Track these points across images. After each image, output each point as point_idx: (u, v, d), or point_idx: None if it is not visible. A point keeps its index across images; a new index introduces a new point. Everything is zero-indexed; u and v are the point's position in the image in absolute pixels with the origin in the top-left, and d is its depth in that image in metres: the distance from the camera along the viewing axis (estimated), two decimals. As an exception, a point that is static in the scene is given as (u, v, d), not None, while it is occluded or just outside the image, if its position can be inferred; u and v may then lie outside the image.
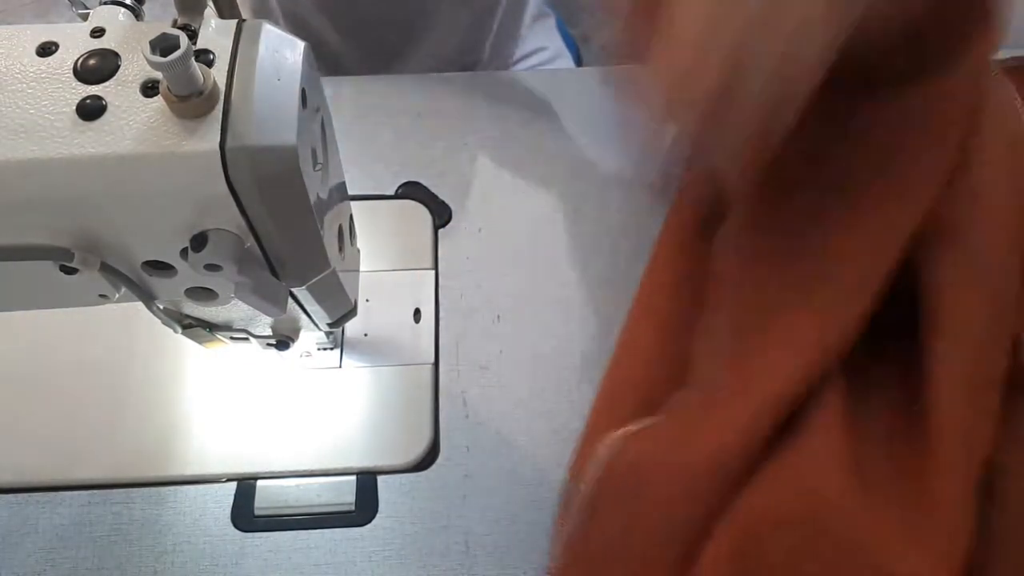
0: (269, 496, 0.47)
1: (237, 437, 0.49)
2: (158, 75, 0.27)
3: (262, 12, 0.77)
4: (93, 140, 0.27)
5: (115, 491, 0.48)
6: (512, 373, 0.52)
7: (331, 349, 0.52)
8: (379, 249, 0.57)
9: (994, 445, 0.40)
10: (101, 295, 0.34)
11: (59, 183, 0.28)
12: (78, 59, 0.28)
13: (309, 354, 0.52)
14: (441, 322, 0.54)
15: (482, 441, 0.49)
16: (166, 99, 0.27)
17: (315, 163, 0.32)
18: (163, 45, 0.25)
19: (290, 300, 0.37)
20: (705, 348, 0.48)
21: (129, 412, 0.50)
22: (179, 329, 0.41)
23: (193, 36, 0.29)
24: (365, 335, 0.53)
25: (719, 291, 0.49)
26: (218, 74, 0.28)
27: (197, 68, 0.27)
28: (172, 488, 0.48)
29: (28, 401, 0.50)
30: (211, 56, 0.29)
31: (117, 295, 0.34)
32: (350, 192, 0.44)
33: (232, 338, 0.45)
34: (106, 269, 0.32)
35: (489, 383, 0.52)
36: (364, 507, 0.47)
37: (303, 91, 0.29)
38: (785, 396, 0.40)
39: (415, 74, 0.69)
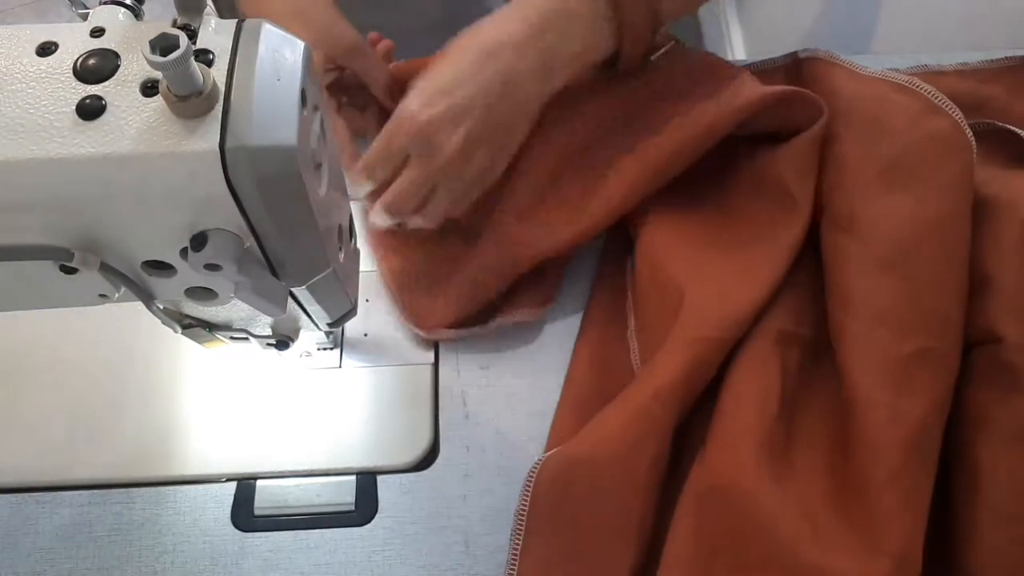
0: (269, 496, 0.47)
1: (237, 437, 0.49)
2: (158, 75, 0.27)
3: None
4: (93, 140, 0.27)
5: (115, 491, 0.48)
6: (512, 373, 0.52)
7: (331, 349, 0.52)
8: (379, 249, 0.56)
9: (974, 441, 0.42)
10: (101, 295, 0.34)
11: (59, 183, 0.28)
12: (78, 59, 0.28)
13: (309, 354, 0.52)
14: (441, 322, 0.54)
15: (482, 441, 0.49)
16: (166, 99, 0.27)
17: (315, 163, 0.32)
18: (163, 45, 0.25)
19: (290, 300, 0.37)
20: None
21: (129, 412, 0.50)
22: (179, 329, 0.41)
23: (193, 36, 0.29)
24: (365, 335, 0.53)
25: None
26: (218, 74, 0.28)
27: (197, 68, 0.27)
28: (172, 488, 0.48)
29: (28, 401, 0.50)
30: (211, 56, 0.29)
31: (117, 295, 0.34)
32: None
33: (232, 338, 0.45)
34: (106, 269, 0.32)
35: (489, 383, 0.52)
36: (364, 507, 0.47)
37: (303, 91, 0.29)
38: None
39: None
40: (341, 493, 0.48)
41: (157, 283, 0.34)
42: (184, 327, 0.41)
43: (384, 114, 0.58)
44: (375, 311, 0.53)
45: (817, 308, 0.49)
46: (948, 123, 0.47)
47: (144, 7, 0.32)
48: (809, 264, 0.51)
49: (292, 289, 0.36)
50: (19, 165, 0.27)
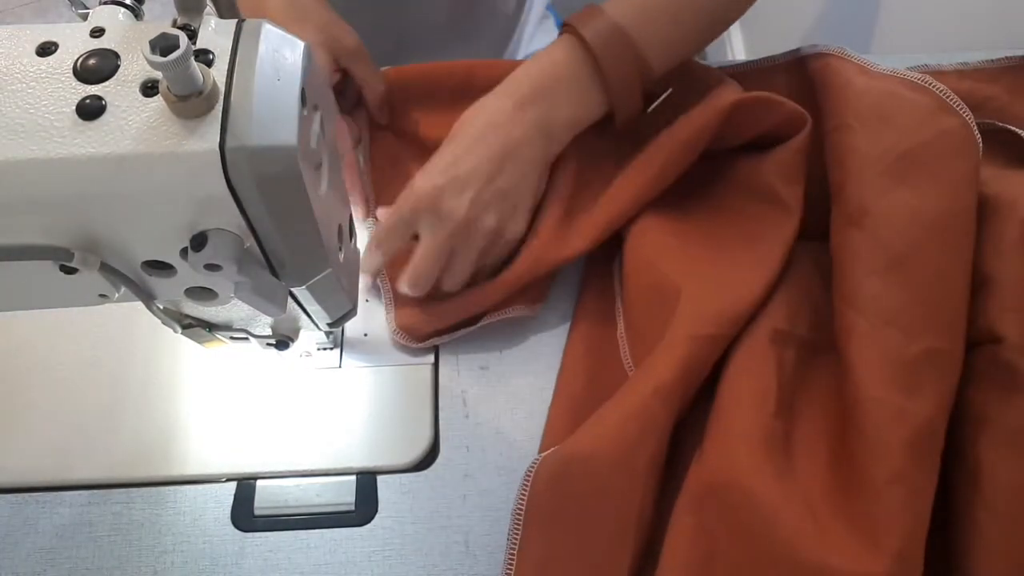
0: (269, 496, 0.47)
1: (237, 437, 0.49)
2: (158, 75, 0.27)
3: None
4: (93, 140, 0.27)
5: (115, 491, 0.48)
6: (512, 373, 0.52)
7: (331, 349, 0.52)
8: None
9: (974, 441, 0.42)
10: (101, 295, 0.34)
11: (59, 183, 0.28)
12: (78, 59, 0.28)
13: (309, 354, 0.52)
14: (441, 322, 0.54)
15: (482, 441, 0.49)
16: (166, 99, 0.27)
17: (315, 163, 0.32)
18: (163, 45, 0.25)
19: (290, 300, 0.37)
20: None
21: (129, 412, 0.50)
22: (179, 329, 0.41)
23: (193, 36, 0.29)
24: (365, 335, 0.53)
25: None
26: (218, 74, 0.28)
27: (197, 68, 0.27)
28: (172, 488, 0.48)
29: (28, 401, 0.50)
30: (211, 56, 0.29)
31: (117, 295, 0.34)
32: (350, 192, 0.44)
33: (232, 338, 0.45)
34: (106, 269, 0.32)
35: (489, 383, 0.52)
36: (364, 507, 0.47)
37: (303, 91, 0.29)
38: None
39: None
40: (341, 493, 0.48)
41: (157, 283, 0.34)
42: (184, 327, 0.41)
43: (372, 123, 0.58)
44: (375, 311, 0.53)
45: (810, 309, 0.49)
46: (959, 123, 0.47)
47: (144, 7, 0.32)
48: (801, 265, 0.51)
49: (292, 289, 0.36)
50: (19, 165, 0.27)
